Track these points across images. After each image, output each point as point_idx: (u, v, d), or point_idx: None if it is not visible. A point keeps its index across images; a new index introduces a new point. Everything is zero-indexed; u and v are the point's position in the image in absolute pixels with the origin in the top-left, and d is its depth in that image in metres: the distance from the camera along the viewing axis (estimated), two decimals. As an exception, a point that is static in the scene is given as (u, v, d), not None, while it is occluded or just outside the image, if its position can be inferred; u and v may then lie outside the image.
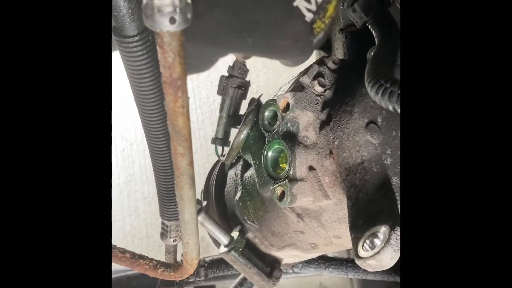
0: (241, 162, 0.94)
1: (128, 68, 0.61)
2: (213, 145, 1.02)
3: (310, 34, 0.57)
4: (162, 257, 0.90)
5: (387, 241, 0.62)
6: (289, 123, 0.78)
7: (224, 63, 1.06)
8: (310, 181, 0.76)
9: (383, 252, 0.62)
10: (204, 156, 2.32)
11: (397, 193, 0.70)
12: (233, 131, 0.97)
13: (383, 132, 0.72)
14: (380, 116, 0.73)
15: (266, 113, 0.83)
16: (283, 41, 0.58)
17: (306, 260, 1.13)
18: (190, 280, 1.12)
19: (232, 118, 1.00)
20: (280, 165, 0.82)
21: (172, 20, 0.42)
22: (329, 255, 1.18)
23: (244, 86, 1.00)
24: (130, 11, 0.57)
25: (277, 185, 0.77)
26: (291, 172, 0.75)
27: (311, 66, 0.81)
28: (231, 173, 0.98)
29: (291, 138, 0.77)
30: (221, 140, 1.01)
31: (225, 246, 0.90)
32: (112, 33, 0.58)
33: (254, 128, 0.87)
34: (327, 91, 0.79)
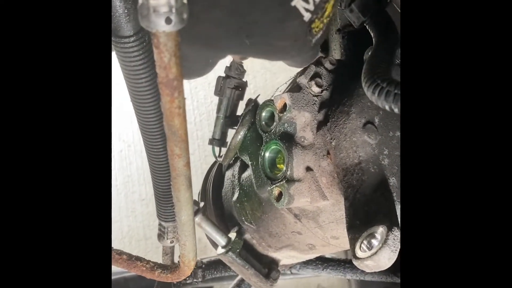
0: (238, 163, 0.94)
1: (124, 69, 0.61)
2: (211, 146, 1.02)
3: (308, 34, 0.57)
4: (159, 259, 0.90)
5: (384, 242, 0.62)
6: (286, 124, 0.78)
7: (221, 64, 1.06)
8: (308, 181, 0.76)
9: (380, 252, 0.62)
10: (201, 157, 2.32)
11: (395, 194, 0.70)
12: (231, 132, 0.97)
13: (380, 133, 0.72)
14: (377, 116, 0.73)
15: (263, 114, 0.83)
16: (281, 41, 0.58)
17: (304, 261, 1.13)
18: (188, 282, 1.12)
19: (229, 119, 1.00)
20: (278, 165, 0.81)
21: (168, 20, 0.42)
22: (327, 256, 1.18)
23: (241, 87, 1.00)
24: (126, 11, 0.57)
25: (274, 186, 0.77)
26: (288, 172, 0.75)
27: (308, 66, 0.80)
28: (228, 174, 0.98)
29: (288, 139, 0.77)
30: (219, 141, 1.01)
31: (223, 247, 0.90)
32: None
33: (251, 128, 0.87)
34: (324, 91, 0.79)
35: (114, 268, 0.82)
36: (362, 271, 1.11)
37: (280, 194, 0.76)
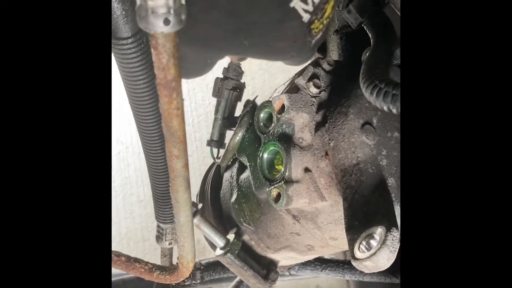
0: (236, 164, 0.94)
1: (122, 70, 0.61)
2: (209, 148, 1.01)
3: (308, 35, 0.57)
4: (158, 261, 0.90)
5: (383, 242, 0.62)
6: (284, 125, 0.78)
7: (219, 65, 1.06)
8: (306, 182, 0.76)
9: (379, 253, 0.62)
10: (200, 159, 2.31)
11: (393, 194, 0.70)
12: (229, 133, 0.97)
13: (378, 133, 0.72)
14: (376, 117, 0.73)
15: (261, 115, 0.83)
16: (280, 42, 0.58)
17: (303, 262, 1.13)
18: (186, 283, 1.12)
19: (227, 120, 1.00)
20: (276, 167, 0.81)
21: (166, 21, 0.42)
22: (326, 257, 1.18)
23: (239, 88, 1.00)
24: (124, 13, 0.57)
25: (272, 187, 0.77)
26: (286, 173, 0.75)
27: (306, 67, 0.81)
28: (226, 175, 0.98)
29: (287, 140, 0.77)
30: (217, 142, 1.01)
31: (221, 248, 0.90)
32: None
33: (249, 130, 0.87)
34: (322, 92, 0.79)
35: (113, 270, 0.82)
36: (361, 272, 1.11)
37: (279, 195, 0.76)
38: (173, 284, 1.12)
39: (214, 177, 1.02)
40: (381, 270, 0.63)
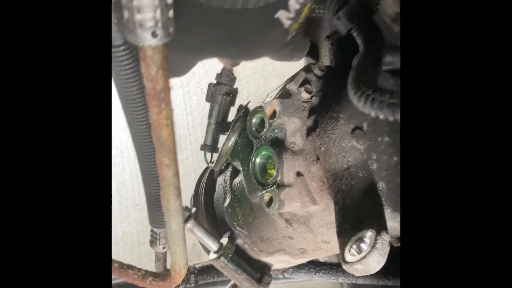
0: (230, 169, 0.95)
1: (114, 78, 0.61)
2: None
3: (286, 34, 0.59)
4: (153, 264, 0.90)
5: (373, 246, 0.63)
6: (276, 130, 0.78)
7: (213, 70, 1.06)
8: (298, 186, 0.76)
9: (369, 256, 0.62)
10: (195, 162, 2.32)
11: (383, 198, 0.71)
12: (222, 138, 0.98)
13: (368, 138, 0.73)
14: (366, 122, 0.73)
15: (254, 120, 0.84)
16: (263, 47, 0.59)
17: (297, 265, 1.13)
18: (180, 287, 1.12)
19: (220, 125, 1.01)
20: (268, 171, 0.82)
21: (154, 34, 0.43)
22: (320, 260, 1.18)
23: (232, 93, 1.01)
24: (115, 20, 0.57)
25: (265, 191, 0.77)
26: (278, 178, 0.76)
27: (297, 73, 0.81)
28: (220, 180, 0.98)
29: (279, 145, 0.78)
30: (210, 146, 1.02)
31: (215, 252, 0.90)
32: None
33: (242, 134, 0.88)
34: (314, 97, 0.80)
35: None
36: (354, 275, 1.11)
37: (271, 200, 0.76)
38: (168, 289, 1.12)
39: (207, 181, 1.03)
40: (371, 273, 0.63)
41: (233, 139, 0.88)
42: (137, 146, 0.69)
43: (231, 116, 0.97)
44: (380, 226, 0.65)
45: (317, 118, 0.78)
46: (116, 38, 0.58)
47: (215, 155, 0.99)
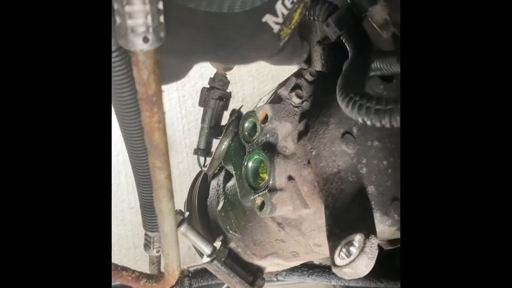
0: (223, 173, 0.95)
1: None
2: None
3: (277, 40, 0.60)
4: (148, 267, 0.91)
5: (362, 249, 0.63)
6: (268, 134, 0.79)
7: (207, 74, 1.07)
8: (289, 190, 0.77)
9: (358, 260, 0.63)
10: (190, 165, 2.32)
11: (373, 202, 0.72)
12: (215, 142, 0.98)
13: (358, 142, 0.74)
14: (356, 126, 0.74)
15: (246, 124, 0.85)
16: (253, 52, 0.60)
17: (290, 268, 1.14)
18: (174, 290, 1.12)
19: (213, 129, 1.02)
20: (261, 175, 0.83)
21: (146, 40, 0.44)
22: (313, 262, 1.19)
23: (225, 98, 1.02)
24: None
25: (257, 195, 0.78)
26: (270, 182, 0.76)
27: (289, 78, 0.82)
28: (213, 184, 0.99)
29: (271, 149, 0.78)
30: (203, 150, 1.03)
31: (208, 256, 0.91)
32: None
33: (235, 139, 0.89)
34: (305, 102, 0.81)
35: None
36: (346, 278, 1.12)
37: (263, 203, 0.77)
38: (162, 292, 1.13)
39: (201, 185, 1.04)
40: (360, 276, 0.64)
41: (226, 143, 0.89)
42: (129, 150, 0.69)
43: (225, 120, 0.98)
44: (369, 230, 0.66)
45: (308, 122, 0.79)
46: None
47: (209, 159, 1.00)
